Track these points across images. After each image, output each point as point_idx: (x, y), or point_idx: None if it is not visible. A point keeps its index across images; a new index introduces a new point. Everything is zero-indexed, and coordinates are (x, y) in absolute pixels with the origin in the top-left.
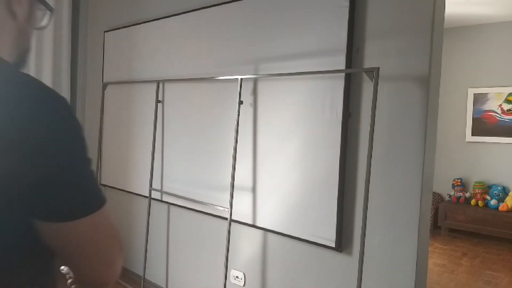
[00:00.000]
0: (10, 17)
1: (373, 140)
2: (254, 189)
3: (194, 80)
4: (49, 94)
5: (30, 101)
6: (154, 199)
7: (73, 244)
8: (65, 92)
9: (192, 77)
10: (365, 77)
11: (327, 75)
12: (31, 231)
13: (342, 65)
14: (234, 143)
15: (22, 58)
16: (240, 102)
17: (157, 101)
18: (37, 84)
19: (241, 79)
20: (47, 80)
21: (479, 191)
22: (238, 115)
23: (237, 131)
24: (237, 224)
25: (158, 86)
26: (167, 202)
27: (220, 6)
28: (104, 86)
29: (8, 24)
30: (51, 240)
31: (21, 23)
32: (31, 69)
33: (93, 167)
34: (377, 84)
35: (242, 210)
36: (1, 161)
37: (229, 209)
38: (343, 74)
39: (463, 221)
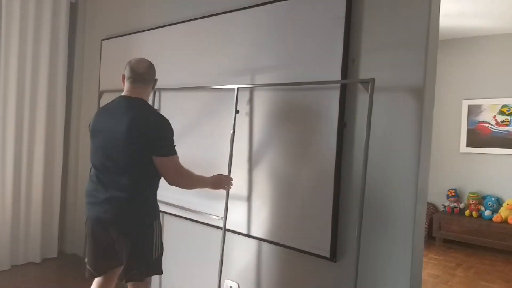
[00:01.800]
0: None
1: (369, 150)
2: (249, 198)
3: (191, 89)
4: (160, 115)
5: (162, 120)
6: None
7: (160, 167)
8: (60, 99)
9: (189, 86)
10: (360, 87)
11: (323, 85)
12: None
13: (337, 76)
14: (229, 152)
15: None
16: (236, 111)
17: None
18: (156, 111)
19: (238, 88)
20: (43, 86)
21: (473, 202)
22: (234, 124)
23: (232, 140)
24: (232, 233)
25: (154, 95)
26: (161, 211)
27: (217, 16)
28: (100, 94)
29: (150, 92)
30: (156, 164)
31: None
32: (26, 76)
33: (173, 140)
34: (373, 94)
35: (236, 219)
36: (145, 135)
37: (224, 218)
38: (338, 85)
39: (457, 231)
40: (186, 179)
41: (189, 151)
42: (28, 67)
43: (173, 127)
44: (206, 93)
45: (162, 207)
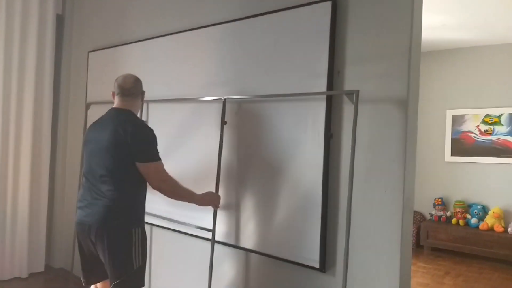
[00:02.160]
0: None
1: (355, 161)
2: (237, 209)
3: (178, 100)
4: (144, 124)
5: (145, 128)
6: None
7: (144, 173)
8: (46, 111)
9: (176, 97)
10: (346, 99)
11: (309, 97)
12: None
13: (323, 88)
14: (217, 166)
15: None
16: (224, 123)
17: None
18: (142, 121)
19: (225, 99)
20: (29, 98)
21: (460, 210)
22: (221, 136)
23: (220, 152)
24: (220, 245)
25: (142, 107)
26: (149, 223)
27: (203, 28)
28: (88, 106)
29: (139, 104)
30: (140, 170)
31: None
32: (12, 88)
33: (156, 147)
34: (357, 106)
35: (225, 230)
36: (127, 143)
37: (212, 230)
38: (324, 96)
39: (445, 240)
40: (169, 185)
41: (176, 162)
42: (14, 79)
43: (158, 139)
44: (194, 105)
45: (150, 219)
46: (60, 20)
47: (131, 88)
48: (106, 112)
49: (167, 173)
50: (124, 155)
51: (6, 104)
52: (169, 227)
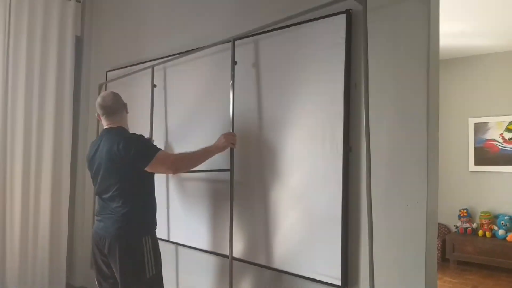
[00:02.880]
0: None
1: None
2: (253, 225)
3: (186, 52)
4: (132, 134)
5: (132, 137)
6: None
7: (156, 171)
8: (66, 131)
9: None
10: (363, 110)
11: (326, 109)
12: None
13: (340, 101)
14: (231, 106)
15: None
16: (234, 63)
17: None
18: (133, 134)
19: (233, 40)
20: (49, 118)
21: (486, 222)
22: (233, 75)
23: (233, 93)
24: (235, 261)
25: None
26: (172, 242)
27: (219, 45)
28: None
29: (126, 116)
30: (151, 171)
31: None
32: (33, 109)
33: (150, 144)
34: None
35: (240, 246)
36: (127, 157)
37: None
38: (342, 109)
39: (471, 252)
40: (183, 161)
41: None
42: (35, 100)
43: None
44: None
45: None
46: (79, 42)
47: (112, 105)
48: (100, 133)
49: (173, 154)
50: (125, 171)
51: (28, 124)
52: (191, 245)
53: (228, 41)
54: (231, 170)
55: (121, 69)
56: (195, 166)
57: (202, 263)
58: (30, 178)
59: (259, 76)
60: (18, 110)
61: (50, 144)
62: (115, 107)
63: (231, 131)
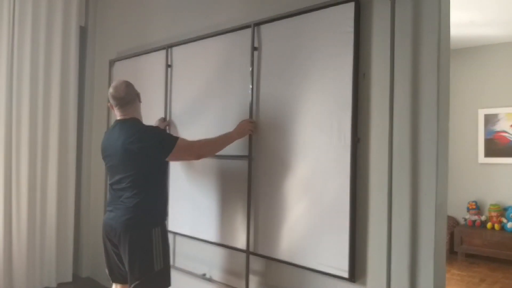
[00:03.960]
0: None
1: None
2: (262, 219)
3: (202, 37)
4: (147, 126)
5: (149, 129)
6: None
7: (178, 159)
8: (72, 122)
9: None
10: (373, 100)
11: (334, 99)
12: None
13: (348, 91)
14: (251, 92)
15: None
16: (254, 48)
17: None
18: (149, 126)
19: (254, 25)
20: (54, 110)
21: (495, 214)
22: (252, 61)
23: (252, 79)
24: (241, 252)
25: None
26: (181, 234)
27: (226, 34)
28: (110, 112)
29: (139, 106)
30: (173, 160)
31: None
32: (39, 99)
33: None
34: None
35: (246, 240)
36: (144, 149)
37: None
38: (350, 99)
39: (479, 245)
40: (206, 148)
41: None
42: (40, 89)
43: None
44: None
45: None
46: (83, 32)
47: (126, 96)
48: (113, 124)
49: (194, 141)
50: (141, 163)
51: (33, 115)
52: (192, 235)
53: (247, 26)
54: (249, 157)
55: (126, 59)
56: (217, 152)
57: (206, 254)
58: (36, 170)
59: (267, 64)
60: (23, 100)
61: (56, 136)
62: (129, 98)
63: (250, 117)
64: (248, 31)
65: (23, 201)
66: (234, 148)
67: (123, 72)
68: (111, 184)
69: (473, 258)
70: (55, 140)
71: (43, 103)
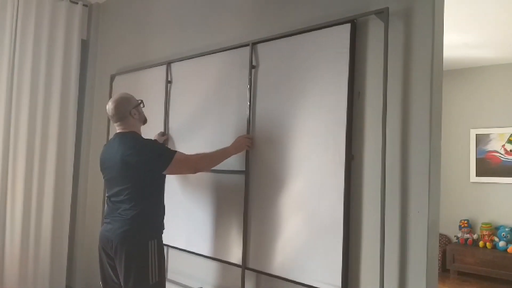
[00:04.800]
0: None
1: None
2: (254, 233)
3: (202, 55)
4: (145, 140)
5: (146, 143)
6: None
7: (175, 172)
8: (70, 134)
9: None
10: (367, 119)
11: (329, 116)
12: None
13: (343, 109)
14: (248, 109)
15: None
16: (252, 67)
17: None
18: (147, 139)
19: (252, 44)
20: (53, 121)
21: (487, 233)
22: (250, 79)
23: (250, 98)
24: (233, 266)
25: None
26: (174, 247)
27: (225, 52)
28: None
29: (135, 119)
30: (170, 174)
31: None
32: (38, 111)
33: (164, 147)
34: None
35: (240, 254)
36: (141, 162)
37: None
38: (344, 117)
39: (472, 263)
40: (203, 162)
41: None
42: (40, 102)
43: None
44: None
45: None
46: (84, 45)
47: (117, 114)
48: (113, 137)
49: (191, 155)
50: (139, 176)
51: (32, 126)
52: (187, 249)
53: (246, 44)
54: (246, 172)
55: (127, 73)
56: (213, 166)
57: (200, 268)
58: (33, 181)
59: (264, 82)
60: (23, 112)
61: (54, 147)
62: (120, 115)
63: (247, 133)
64: (247, 50)
65: (18, 210)
66: (230, 163)
67: (123, 86)
68: (109, 197)
69: (465, 276)
70: (53, 151)
71: (42, 114)
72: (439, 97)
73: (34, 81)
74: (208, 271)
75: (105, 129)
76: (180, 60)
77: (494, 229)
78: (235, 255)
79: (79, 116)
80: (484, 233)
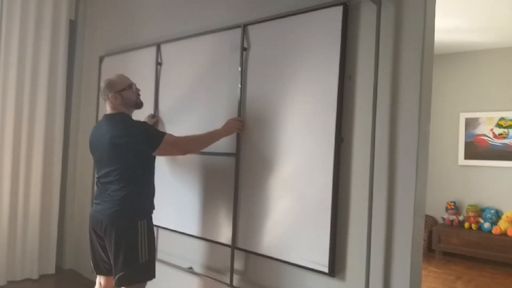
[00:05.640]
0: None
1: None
2: (243, 213)
3: (192, 36)
4: (134, 121)
5: (136, 124)
6: None
7: (164, 154)
8: (59, 115)
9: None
10: (357, 102)
11: (320, 99)
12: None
13: (334, 91)
14: (240, 91)
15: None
16: (244, 49)
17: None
18: (136, 121)
19: (244, 26)
20: (41, 103)
21: (473, 214)
22: (242, 62)
23: (242, 80)
24: (224, 246)
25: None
26: (165, 228)
27: (215, 33)
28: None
29: (121, 101)
30: (160, 155)
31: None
32: (25, 93)
33: (154, 129)
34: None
35: (229, 234)
36: (130, 143)
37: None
38: (335, 100)
39: (457, 244)
40: (192, 144)
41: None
42: (27, 84)
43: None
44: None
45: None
46: (73, 26)
47: (102, 95)
48: (102, 118)
49: (181, 137)
50: (128, 157)
51: (19, 106)
52: (177, 229)
53: (237, 26)
54: (236, 154)
55: (116, 55)
56: (203, 148)
57: (190, 249)
58: (21, 160)
59: (255, 64)
60: (9, 94)
61: (42, 129)
62: (103, 96)
63: (238, 116)
64: (238, 32)
65: (5, 192)
66: (221, 145)
67: (113, 68)
68: (98, 178)
69: (450, 257)
70: (41, 133)
71: (29, 96)
72: (429, 80)
73: (21, 62)
74: (198, 252)
75: (94, 111)
76: (171, 42)
77: (480, 211)
78: (225, 235)
79: (68, 98)
80: (470, 214)
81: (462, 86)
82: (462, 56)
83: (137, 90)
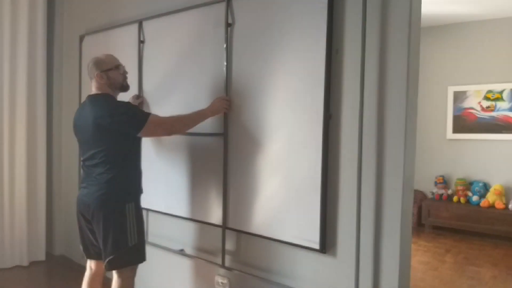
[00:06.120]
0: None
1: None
2: (233, 192)
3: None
4: (118, 102)
5: (120, 105)
6: None
7: (149, 135)
8: (40, 98)
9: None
10: (345, 76)
11: (307, 75)
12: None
13: (321, 67)
14: (226, 67)
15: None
16: (228, 25)
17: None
18: (120, 102)
19: (228, 1)
20: (22, 85)
21: (461, 188)
22: (227, 38)
23: (227, 55)
24: (216, 227)
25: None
26: (155, 211)
27: (199, 8)
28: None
29: (107, 81)
30: (145, 136)
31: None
32: (4, 75)
33: (138, 109)
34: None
35: (219, 214)
36: (117, 120)
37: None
38: (323, 75)
39: (446, 218)
40: (178, 124)
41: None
42: (6, 65)
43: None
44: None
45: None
46: (51, 3)
47: (89, 72)
48: (85, 99)
49: (166, 117)
50: (112, 139)
51: None
52: (167, 212)
53: (221, 0)
54: (224, 134)
55: (97, 33)
56: (189, 129)
57: (180, 230)
58: (3, 145)
59: (241, 40)
60: None
61: (24, 114)
62: (89, 75)
63: (225, 94)
64: (222, 6)
65: None
66: (209, 125)
67: (94, 47)
68: (83, 161)
69: (440, 230)
70: (23, 115)
71: (9, 77)
72: (417, 53)
73: None
74: (188, 233)
75: (77, 92)
76: (153, 18)
77: (468, 185)
78: (215, 216)
79: (49, 80)
80: (459, 188)
81: (449, 59)
82: (448, 28)
83: (125, 72)
